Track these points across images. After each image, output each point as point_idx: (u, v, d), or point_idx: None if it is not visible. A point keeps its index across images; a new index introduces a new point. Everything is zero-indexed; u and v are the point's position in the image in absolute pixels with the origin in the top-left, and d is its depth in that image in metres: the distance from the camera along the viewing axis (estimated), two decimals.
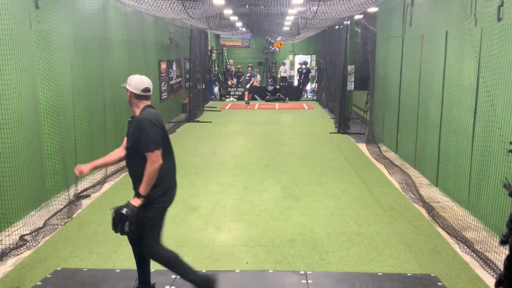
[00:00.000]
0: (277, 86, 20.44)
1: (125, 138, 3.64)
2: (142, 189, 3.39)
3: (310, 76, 21.91)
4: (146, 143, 3.36)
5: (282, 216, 5.80)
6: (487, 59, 5.20)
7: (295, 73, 22.99)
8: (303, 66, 21.43)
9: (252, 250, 4.82)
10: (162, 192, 3.51)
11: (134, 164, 3.49)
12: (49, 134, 6.13)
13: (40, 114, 5.99)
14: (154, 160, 3.35)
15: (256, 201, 6.40)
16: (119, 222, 3.38)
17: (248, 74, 20.64)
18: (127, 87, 3.55)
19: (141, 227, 3.49)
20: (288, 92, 20.38)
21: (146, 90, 3.53)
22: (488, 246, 4.70)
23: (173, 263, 3.61)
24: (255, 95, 20.43)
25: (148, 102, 3.58)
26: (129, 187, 7.46)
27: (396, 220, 5.69)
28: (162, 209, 3.58)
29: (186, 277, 3.62)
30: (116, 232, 3.43)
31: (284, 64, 23.18)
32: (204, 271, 4.32)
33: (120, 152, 3.73)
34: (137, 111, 3.53)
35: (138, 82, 3.53)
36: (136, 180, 3.49)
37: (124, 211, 3.35)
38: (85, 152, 7.23)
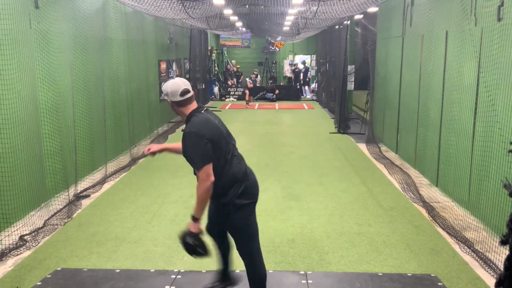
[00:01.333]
0: (276, 91, 20.39)
1: None
2: (195, 211, 3.09)
3: (309, 75, 21.90)
4: (193, 162, 3.07)
5: (282, 216, 5.79)
6: (487, 59, 5.19)
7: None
8: (301, 66, 21.39)
9: None
10: (239, 192, 3.18)
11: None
12: (49, 134, 6.12)
13: (40, 114, 5.99)
14: (204, 178, 3.01)
15: None
16: (192, 251, 3.20)
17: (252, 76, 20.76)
18: (165, 97, 3.19)
19: (234, 232, 3.30)
20: (288, 92, 20.38)
21: (185, 92, 3.13)
22: (488, 246, 4.70)
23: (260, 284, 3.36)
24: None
25: (192, 106, 3.18)
26: (129, 187, 7.49)
27: (396, 220, 5.69)
28: (247, 209, 3.23)
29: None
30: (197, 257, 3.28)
31: (291, 64, 23.08)
32: (204, 271, 4.32)
33: None
34: (184, 120, 3.19)
35: (173, 88, 3.12)
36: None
37: (188, 240, 3.16)
38: (85, 152, 7.24)
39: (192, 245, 3.12)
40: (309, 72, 21.95)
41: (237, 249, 3.34)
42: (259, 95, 20.20)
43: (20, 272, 4.34)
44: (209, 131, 3.08)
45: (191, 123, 3.11)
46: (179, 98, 3.13)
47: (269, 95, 20.06)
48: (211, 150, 3.05)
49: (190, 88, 3.19)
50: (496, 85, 4.96)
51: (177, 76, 14.68)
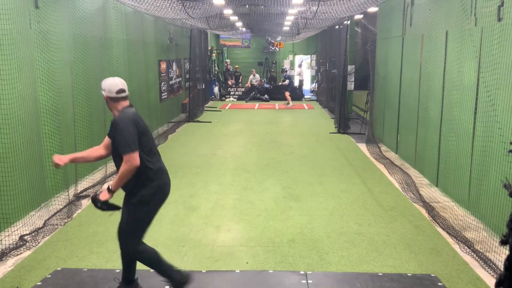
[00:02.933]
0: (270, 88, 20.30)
1: (106, 137, 3.69)
2: (113, 185, 3.43)
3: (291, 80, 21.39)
4: (122, 146, 3.37)
5: (282, 216, 5.79)
6: (487, 59, 5.20)
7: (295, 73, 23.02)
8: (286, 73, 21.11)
9: (252, 250, 4.82)
10: (152, 192, 3.52)
11: (119, 164, 3.50)
12: (49, 134, 6.12)
13: (40, 114, 5.99)
14: (129, 160, 3.35)
15: (256, 201, 6.40)
16: (101, 209, 3.52)
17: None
18: (102, 92, 3.54)
19: (126, 222, 3.56)
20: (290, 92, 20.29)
21: (120, 91, 3.53)
22: (488, 246, 4.70)
23: (155, 260, 3.64)
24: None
25: (126, 103, 3.57)
26: None
27: (396, 220, 5.69)
28: (152, 209, 3.59)
29: (164, 273, 3.66)
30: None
31: (300, 66, 22.91)
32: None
33: (99, 150, 3.74)
34: (116, 114, 3.54)
35: (111, 85, 3.52)
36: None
37: (97, 205, 3.46)
38: None
39: (100, 208, 3.47)
40: (292, 78, 21.17)
41: (119, 233, 3.60)
42: (251, 95, 20.19)
43: (20, 272, 4.34)
44: (138, 123, 3.48)
45: (123, 114, 3.49)
46: (114, 95, 3.52)
47: (263, 97, 20.04)
48: (139, 140, 3.43)
49: (126, 89, 3.59)
50: (496, 85, 4.96)
51: (177, 76, 14.68)
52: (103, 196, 3.44)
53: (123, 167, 3.36)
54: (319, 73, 20.77)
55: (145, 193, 3.50)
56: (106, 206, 3.47)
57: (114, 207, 3.51)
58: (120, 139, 3.37)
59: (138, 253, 3.61)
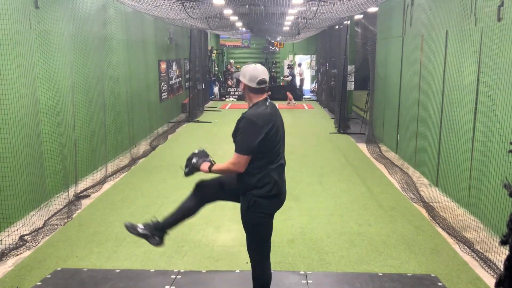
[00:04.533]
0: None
1: None
2: (215, 168, 3.20)
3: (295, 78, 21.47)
4: (237, 143, 3.10)
5: (282, 216, 5.79)
6: (487, 59, 5.20)
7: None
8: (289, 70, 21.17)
9: None
10: (271, 194, 3.13)
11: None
12: (49, 134, 6.12)
13: (40, 114, 5.99)
14: (235, 163, 3.08)
15: None
16: (189, 171, 3.40)
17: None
18: (241, 78, 3.18)
19: (245, 228, 3.25)
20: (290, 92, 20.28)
21: (262, 82, 3.13)
22: (488, 246, 4.70)
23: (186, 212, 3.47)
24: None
25: (262, 96, 3.18)
26: (129, 187, 7.50)
27: (396, 220, 5.69)
28: (264, 215, 3.17)
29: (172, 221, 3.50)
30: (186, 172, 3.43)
31: (299, 65, 22.90)
32: (204, 271, 4.32)
33: None
34: (249, 105, 3.21)
35: (252, 73, 3.13)
36: (239, 178, 3.20)
37: (190, 165, 3.34)
38: (85, 152, 7.24)
39: (188, 172, 3.37)
40: (296, 77, 21.28)
41: (247, 246, 3.31)
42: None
43: (20, 272, 4.34)
44: (266, 126, 3.06)
45: (254, 111, 3.11)
46: (254, 85, 3.14)
47: None
48: (258, 145, 3.04)
49: (267, 80, 3.19)
50: (496, 85, 4.96)
51: (177, 76, 14.68)
52: (205, 165, 3.25)
53: (228, 163, 3.12)
54: (319, 73, 20.77)
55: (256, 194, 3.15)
56: (192, 172, 3.35)
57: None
58: (238, 136, 3.10)
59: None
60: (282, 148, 3.24)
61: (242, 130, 3.08)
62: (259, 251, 3.27)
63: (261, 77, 3.13)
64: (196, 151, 3.40)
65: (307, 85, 23.07)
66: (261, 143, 3.04)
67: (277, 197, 3.18)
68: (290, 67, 20.13)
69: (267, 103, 3.18)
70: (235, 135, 3.15)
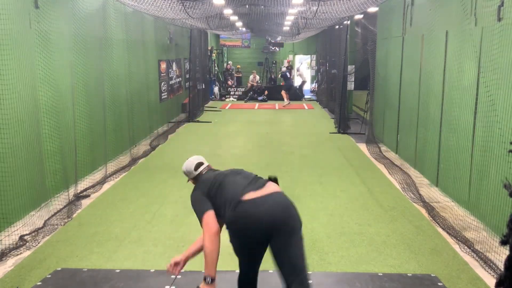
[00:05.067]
0: (266, 92, 20.30)
1: None
2: (205, 270, 2.84)
3: (291, 77, 21.42)
4: (197, 214, 2.98)
5: None
6: (487, 59, 5.20)
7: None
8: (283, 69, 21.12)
9: None
10: (230, 220, 2.90)
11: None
12: (49, 134, 6.12)
13: (40, 114, 5.99)
14: (205, 229, 2.86)
15: None
16: None
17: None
18: (188, 178, 3.30)
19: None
20: (288, 92, 20.28)
21: (198, 165, 3.24)
22: (488, 246, 4.70)
23: None
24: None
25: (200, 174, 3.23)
26: (129, 187, 7.50)
27: (396, 220, 5.69)
28: (235, 237, 2.94)
29: None
30: None
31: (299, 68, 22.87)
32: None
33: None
34: None
35: (188, 167, 3.25)
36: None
37: None
38: (85, 152, 7.24)
39: None
40: (290, 75, 21.16)
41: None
42: (249, 95, 20.21)
43: (20, 272, 4.34)
44: (204, 183, 3.09)
45: (196, 186, 3.18)
46: (197, 174, 3.24)
47: (259, 97, 20.05)
48: (208, 202, 2.98)
49: (203, 161, 3.31)
50: (496, 85, 4.96)
51: (177, 76, 14.68)
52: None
53: (204, 240, 2.87)
54: (319, 73, 20.77)
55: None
56: None
57: None
58: (195, 210, 3.01)
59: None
60: (231, 175, 3.12)
61: (192, 204, 3.05)
62: (241, 267, 3.18)
63: (194, 164, 3.25)
64: None
65: (307, 85, 23.06)
66: (212, 200, 2.99)
67: (236, 220, 2.87)
68: (288, 68, 20.27)
69: (205, 172, 3.24)
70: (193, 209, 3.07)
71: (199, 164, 3.28)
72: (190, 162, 3.28)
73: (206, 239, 2.84)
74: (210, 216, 2.91)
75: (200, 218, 2.94)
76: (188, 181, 3.33)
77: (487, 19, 5.22)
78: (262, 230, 2.84)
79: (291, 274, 2.84)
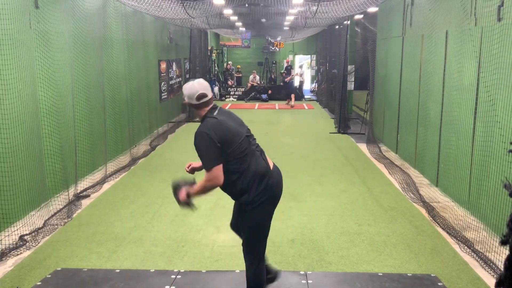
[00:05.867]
0: (269, 91, 20.32)
1: None
2: (192, 192, 3.19)
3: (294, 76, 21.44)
4: (202, 161, 3.11)
5: (282, 216, 5.79)
6: (487, 59, 5.20)
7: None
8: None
9: None
10: (259, 191, 3.18)
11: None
12: (49, 134, 6.12)
13: (40, 114, 5.99)
14: (210, 178, 3.06)
15: None
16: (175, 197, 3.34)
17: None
18: (185, 99, 3.26)
19: (245, 230, 3.32)
20: (288, 92, 20.29)
21: (202, 96, 3.18)
22: (488, 246, 4.70)
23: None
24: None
25: (206, 109, 3.23)
26: (129, 187, 7.48)
27: (396, 220, 5.69)
28: (264, 209, 3.24)
29: None
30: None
31: (301, 67, 22.78)
32: (204, 271, 4.32)
33: None
34: (200, 121, 3.26)
35: (190, 91, 3.19)
36: (225, 189, 3.26)
37: (176, 197, 3.30)
38: (85, 152, 7.24)
39: (178, 203, 3.32)
40: (293, 77, 21.27)
41: (243, 247, 3.36)
42: (251, 95, 20.22)
43: (20, 272, 4.34)
44: (221, 133, 3.10)
45: (204, 125, 3.15)
46: (195, 102, 3.20)
47: (263, 96, 20.05)
48: (222, 152, 3.08)
49: (208, 91, 3.23)
50: (496, 85, 4.96)
51: (177, 76, 14.67)
52: (182, 196, 3.24)
53: (204, 181, 3.10)
54: (319, 73, 20.77)
55: (246, 198, 3.20)
56: (184, 204, 3.29)
57: (191, 205, 3.30)
58: (199, 154, 3.11)
59: (250, 270, 3.37)
60: (247, 142, 3.27)
61: (199, 147, 3.11)
62: (256, 251, 3.32)
63: (199, 92, 3.19)
64: (174, 184, 3.35)
65: (307, 85, 23.05)
66: (223, 150, 3.08)
67: (269, 189, 3.23)
68: (288, 69, 20.33)
69: (215, 113, 3.23)
70: (198, 154, 3.15)
71: (202, 96, 3.20)
72: (194, 89, 3.20)
73: (210, 185, 3.10)
74: (219, 169, 3.07)
75: (209, 166, 3.05)
76: (184, 102, 3.32)
77: (487, 19, 5.22)
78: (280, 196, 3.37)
79: None
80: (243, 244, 3.37)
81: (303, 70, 22.85)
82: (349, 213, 5.94)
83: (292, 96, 18.60)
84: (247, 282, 3.41)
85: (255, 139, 3.45)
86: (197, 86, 3.21)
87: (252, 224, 3.25)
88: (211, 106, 3.26)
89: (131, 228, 5.45)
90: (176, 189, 3.31)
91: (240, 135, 3.21)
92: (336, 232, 5.29)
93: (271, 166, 3.32)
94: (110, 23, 8.43)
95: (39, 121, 5.95)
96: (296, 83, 21.44)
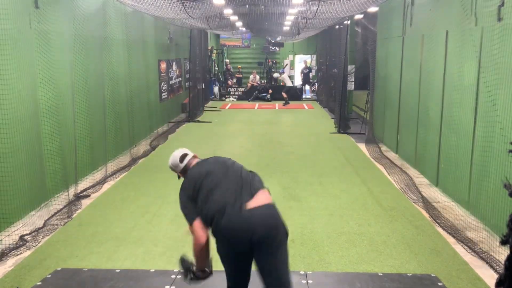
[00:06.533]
0: (270, 91, 20.36)
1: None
2: (195, 257, 2.94)
3: (311, 75, 21.85)
4: (186, 220, 2.96)
5: (282, 216, 5.78)
6: (487, 59, 5.20)
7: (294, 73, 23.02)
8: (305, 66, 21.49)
9: None
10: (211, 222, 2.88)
11: None
12: (49, 134, 6.12)
13: (40, 114, 5.99)
14: (195, 236, 2.86)
15: None
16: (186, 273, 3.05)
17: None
18: (177, 173, 3.23)
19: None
20: (288, 92, 20.29)
21: (182, 158, 3.16)
22: (488, 246, 4.70)
23: None
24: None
25: (190, 166, 3.16)
26: (129, 187, 7.50)
27: (396, 220, 5.69)
28: (220, 251, 2.92)
29: None
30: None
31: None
32: None
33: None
34: None
35: (174, 161, 3.17)
36: None
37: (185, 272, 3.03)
38: (85, 152, 7.24)
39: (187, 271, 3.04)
40: (310, 73, 21.90)
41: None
42: (253, 95, 20.24)
43: (20, 272, 4.34)
44: (189, 184, 3.00)
45: (183, 182, 3.11)
46: (182, 168, 3.16)
47: (264, 95, 20.06)
48: (194, 209, 2.92)
49: (186, 154, 3.19)
50: (497, 85, 4.96)
51: (177, 76, 14.67)
52: (201, 276, 2.99)
53: (193, 243, 2.90)
54: (319, 73, 20.78)
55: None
56: (198, 277, 3.01)
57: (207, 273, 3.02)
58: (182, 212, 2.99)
59: None
60: (223, 189, 2.91)
61: (180, 207, 3.01)
62: (227, 276, 3.09)
63: (179, 156, 3.17)
64: (183, 269, 3.07)
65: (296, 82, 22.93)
66: (194, 204, 2.92)
67: (218, 231, 2.83)
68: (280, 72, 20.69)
69: (192, 166, 3.14)
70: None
71: (184, 156, 3.19)
72: (175, 156, 3.20)
73: (196, 248, 2.89)
74: (198, 226, 2.86)
75: (189, 223, 2.91)
76: (179, 178, 3.26)
77: (487, 19, 5.22)
78: (246, 242, 2.79)
79: (274, 286, 2.83)
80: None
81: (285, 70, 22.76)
82: (349, 213, 5.94)
83: (283, 94, 18.72)
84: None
85: (245, 181, 3.01)
86: (176, 155, 3.20)
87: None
88: (193, 163, 3.17)
89: (131, 228, 5.45)
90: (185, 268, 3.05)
91: (215, 181, 2.96)
92: (336, 232, 5.29)
93: (242, 207, 2.82)
94: (110, 23, 8.43)
95: (39, 121, 5.95)
96: (289, 83, 21.33)
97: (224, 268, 3.02)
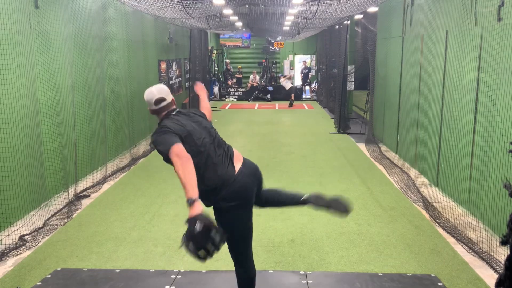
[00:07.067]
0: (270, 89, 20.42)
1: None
2: (186, 194, 2.73)
3: (309, 76, 21.90)
4: (161, 151, 2.91)
5: (282, 216, 5.79)
6: (487, 59, 5.20)
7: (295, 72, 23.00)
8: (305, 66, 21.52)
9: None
10: (222, 196, 2.98)
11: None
12: (49, 134, 6.12)
13: (40, 114, 5.99)
14: (175, 159, 2.78)
15: None
16: (204, 241, 2.78)
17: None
18: (148, 107, 3.20)
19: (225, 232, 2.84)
20: (288, 92, 20.29)
21: (158, 101, 3.13)
22: (488, 246, 4.70)
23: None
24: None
25: (163, 113, 3.15)
26: (129, 187, 7.48)
27: (396, 220, 5.69)
28: (233, 213, 3.01)
29: None
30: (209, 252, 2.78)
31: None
32: (204, 271, 4.32)
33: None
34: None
35: (148, 97, 3.16)
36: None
37: (194, 228, 2.77)
38: (85, 152, 7.24)
39: (201, 237, 2.73)
40: (309, 73, 21.96)
41: (228, 247, 3.18)
42: (253, 95, 20.24)
43: (20, 272, 4.34)
44: (171, 127, 2.98)
45: (160, 124, 3.09)
46: (154, 107, 3.17)
47: (267, 96, 20.06)
48: (178, 139, 2.91)
49: (166, 95, 3.17)
50: (497, 85, 4.96)
51: (177, 76, 14.67)
52: (193, 210, 2.75)
53: (176, 172, 2.78)
54: (319, 73, 20.79)
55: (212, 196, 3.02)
56: (206, 226, 2.74)
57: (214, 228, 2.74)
58: (158, 145, 2.95)
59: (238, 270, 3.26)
60: (210, 140, 3.11)
61: (156, 141, 2.97)
62: (240, 253, 3.19)
63: (156, 97, 3.14)
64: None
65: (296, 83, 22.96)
66: (181, 138, 2.94)
67: (235, 196, 3.00)
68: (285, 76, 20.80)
69: (172, 115, 3.14)
70: (157, 148, 2.99)
71: (160, 100, 3.14)
72: (151, 94, 3.15)
73: (180, 167, 2.73)
74: (179, 146, 2.82)
75: (168, 148, 2.82)
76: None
77: (487, 19, 5.22)
78: (254, 192, 3.17)
79: (273, 192, 3.50)
80: (228, 246, 3.14)
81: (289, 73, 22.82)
82: None
83: (292, 96, 18.69)
84: (238, 282, 3.32)
85: (224, 143, 3.24)
86: (154, 91, 3.16)
87: (227, 230, 2.91)
88: (170, 109, 3.19)
89: (131, 228, 5.45)
90: (189, 233, 2.86)
91: (198, 135, 3.07)
92: (336, 232, 5.29)
93: (236, 169, 3.06)
94: (110, 23, 8.43)
95: (39, 121, 5.95)
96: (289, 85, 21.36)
97: (238, 233, 3.11)
